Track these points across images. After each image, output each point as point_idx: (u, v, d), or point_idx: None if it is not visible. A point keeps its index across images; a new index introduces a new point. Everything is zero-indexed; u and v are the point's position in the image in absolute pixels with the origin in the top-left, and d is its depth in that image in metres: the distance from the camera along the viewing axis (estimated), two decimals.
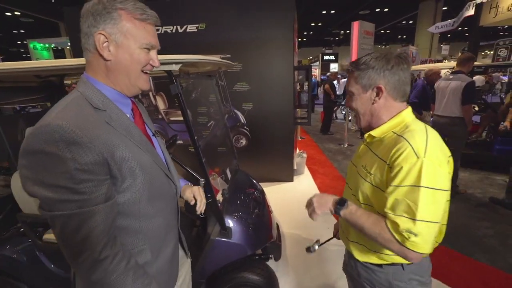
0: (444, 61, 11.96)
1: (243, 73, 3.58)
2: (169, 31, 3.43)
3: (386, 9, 16.15)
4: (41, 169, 0.60)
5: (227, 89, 3.62)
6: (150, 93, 3.60)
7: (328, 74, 9.81)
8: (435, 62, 14.19)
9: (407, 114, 0.89)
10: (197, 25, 3.41)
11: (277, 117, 3.75)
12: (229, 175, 2.00)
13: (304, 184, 3.99)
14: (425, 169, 0.74)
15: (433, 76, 4.03)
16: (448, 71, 4.75)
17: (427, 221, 0.74)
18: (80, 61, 1.19)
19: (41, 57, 11.90)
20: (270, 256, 1.86)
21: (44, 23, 13.68)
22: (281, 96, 3.67)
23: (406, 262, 0.88)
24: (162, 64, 1.27)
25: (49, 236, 1.60)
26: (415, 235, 0.74)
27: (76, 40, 3.16)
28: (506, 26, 14.21)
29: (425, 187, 0.74)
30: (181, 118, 3.68)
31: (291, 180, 4.05)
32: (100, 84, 0.73)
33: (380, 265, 0.93)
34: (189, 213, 2.27)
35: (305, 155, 4.33)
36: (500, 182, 3.77)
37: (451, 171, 0.84)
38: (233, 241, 1.50)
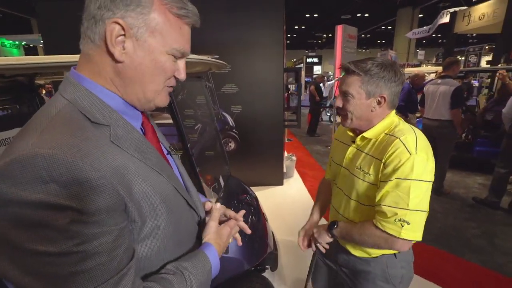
0: (422, 65, 12.50)
1: (231, 75, 3.46)
2: None
3: (366, 15, 16.68)
4: (19, 231, 0.37)
5: (215, 91, 3.50)
6: None
7: (314, 76, 9.93)
8: (412, 67, 14.83)
9: (394, 116, 0.97)
10: None
11: (267, 120, 3.67)
12: (222, 183, 1.88)
13: (294, 188, 3.93)
14: (416, 164, 0.82)
15: (418, 80, 4.14)
16: (427, 74, 4.92)
17: (418, 210, 0.82)
18: (52, 58, 1.04)
19: (10, 55, 11.10)
20: (267, 267, 1.77)
21: (14, 19, 12.81)
22: (270, 98, 3.60)
23: (394, 252, 0.99)
24: None
25: None
26: (408, 223, 0.82)
27: (50, 38, 2.90)
28: (474, 34, 15.13)
29: (416, 179, 0.82)
30: (167, 121, 3.49)
31: (281, 183, 3.98)
32: (99, 89, 0.51)
33: (375, 257, 1.00)
34: None
35: (294, 158, 4.28)
36: (481, 182, 3.91)
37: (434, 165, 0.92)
38: (230, 256, 1.39)
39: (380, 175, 0.88)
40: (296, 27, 20.30)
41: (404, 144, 0.85)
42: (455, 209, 3.19)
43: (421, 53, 17.42)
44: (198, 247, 0.64)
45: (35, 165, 0.38)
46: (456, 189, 3.70)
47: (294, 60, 20.51)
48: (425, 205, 0.85)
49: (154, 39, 0.50)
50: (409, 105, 4.11)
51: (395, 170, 0.84)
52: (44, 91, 6.39)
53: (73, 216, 0.39)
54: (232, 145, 3.74)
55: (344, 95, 0.94)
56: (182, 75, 0.58)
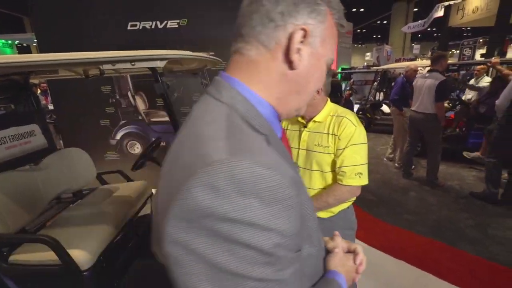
0: (417, 59, 12.54)
1: None
2: (147, 26, 3.23)
3: (362, 9, 16.66)
4: (220, 248, 0.34)
5: None
6: (129, 93, 3.38)
7: None
8: (408, 61, 14.84)
9: (329, 102, 1.27)
10: (178, 21, 3.24)
11: None
12: None
13: None
14: (360, 133, 1.17)
15: (411, 73, 4.16)
16: (422, 68, 4.96)
17: (365, 164, 1.18)
18: (47, 56, 1.04)
19: (3, 54, 10.97)
20: None
21: (6, 18, 12.61)
22: None
23: (349, 204, 1.31)
24: (145, 60, 1.15)
25: (17, 257, 1.41)
26: (362, 174, 1.17)
27: (43, 37, 2.85)
28: (469, 28, 15.19)
29: (361, 143, 1.17)
30: (163, 119, 3.50)
31: None
32: (253, 95, 0.47)
33: (337, 213, 1.28)
34: None
35: None
36: (475, 174, 3.97)
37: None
38: None
39: (336, 145, 1.18)
40: None
41: (350, 121, 1.17)
42: (450, 201, 3.24)
43: (416, 47, 17.48)
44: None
45: (239, 179, 0.33)
46: (450, 181, 3.75)
47: None
48: (367, 159, 1.20)
49: (322, 48, 0.48)
50: (402, 98, 4.14)
51: (348, 140, 1.16)
52: (39, 91, 6.33)
53: (276, 239, 0.34)
54: None
55: None
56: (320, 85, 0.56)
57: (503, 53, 8.29)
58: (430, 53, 18.72)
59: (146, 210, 2.17)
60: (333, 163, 1.20)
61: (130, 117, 3.48)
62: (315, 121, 1.24)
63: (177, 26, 3.26)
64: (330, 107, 1.25)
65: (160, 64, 1.18)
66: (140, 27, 3.23)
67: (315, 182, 1.26)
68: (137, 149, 3.58)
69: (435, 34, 23.08)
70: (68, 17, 3.18)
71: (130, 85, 3.37)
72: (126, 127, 3.49)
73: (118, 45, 3.16)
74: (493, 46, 8.43)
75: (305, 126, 1.27)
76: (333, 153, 1.19)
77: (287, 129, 1.39)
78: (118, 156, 3.62)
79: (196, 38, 3.28)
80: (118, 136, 3.51)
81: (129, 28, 3.22)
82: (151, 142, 1.94)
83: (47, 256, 1.35)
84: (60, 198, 2.16)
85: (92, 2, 3.17)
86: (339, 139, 1.17)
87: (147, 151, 1.85)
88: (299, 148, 1.28)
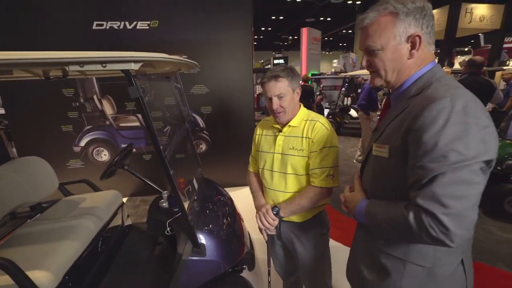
0: None
1: (201, 75, 3.41)
2: (115, 27, 3.07)
3: (328, 18, 17.49)
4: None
5: (184, 92, 3.41)
6: (95, 97, 3.17)
7: None
8: None
9: (303, 107, 1.33)
10: (148, 22, 3.12)
11: (237, 120, 3.68)
12: (196, 186, 1.84)
13: None
14: (332, 136, 1.22)
15: None
16: None
17: (336, 166, 1.23)
18: (3, 54, 0.93)
19: None
20: (244, 267, 1.77)
21: None
22: (240, 98, 3.61)
23: (322, 209, 1.37)
24: (118, 62, 1.08)
25: None
26: (333, 176, 1.22)
27: None
28: None
29: (334, 146, 1.22)
30: (133, 124, 3.33)
31: None
32: None
33: (312, 216, 1.33)
34: (152, 230, 2.04)
35: None
36: None
37: None
38: (208, 259, 1.36)
39: (309, 148, 1.23)
40: (263, 28, 20.57)
41: (323, 125, 1.23)
42: None
43: None
44: None
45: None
46: None
47: (262, 61, 20.72)
48: (338, 162, 1.25)
49: None
50: (370, 103, 4.40)
51: (321, 143, 1.20)
52: None
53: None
54: (203, 146, 3.67)
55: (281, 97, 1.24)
56: None
57: (451, 64, 9.25)
58: None
59: (117, 221, 2.03)
60: (307, 165, 1.24)
61: (96, 122, 3.26)
62: (290, 126, 1.28)
63: (147, 27, 3.14)
64: (304, 112, 1.31)
65: (134, 66, 1.12)
66: (107, 27, 3.05)
67: (290, 186, 1.28)
68: (104, 156, 3.36)
69: None
70: (22, 12, 2.90)
71: (97, 88, 3.16)
72: (92, 132, 3.26)
73: (81, 46, 2.99)
74: (443, 57, 9.36)
75: (280, 131, 1.30)
76: (307, 156, 1.23)
77: (262, 135, 1.41)
78: (82, 164, 3.36)
79: (167, 40, 3.19)
80: (83, 143, 3.27)
81: (94, 27, 3.03)
82: (123, 149, 1.83)
83: (2, 280, 1.19)
84: (14, 214, 1.93)
85: None
86: (312, 142, 1.21)
87: (118, 158, 1.74)
88: (274, 153, 1.31)
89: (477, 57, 3.26)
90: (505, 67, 7.29)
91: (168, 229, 1.54)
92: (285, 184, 1.28)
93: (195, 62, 1.76)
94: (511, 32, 11.99)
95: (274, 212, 1.26)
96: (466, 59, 3.50)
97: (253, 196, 1.45)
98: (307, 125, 1.24)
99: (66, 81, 2.93)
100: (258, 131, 1.45)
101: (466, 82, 3.12)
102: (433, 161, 0.63)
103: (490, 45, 10.32)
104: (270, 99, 1.23)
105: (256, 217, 1.33)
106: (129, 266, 1.77)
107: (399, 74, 0.80)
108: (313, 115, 1.29)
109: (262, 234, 1.36)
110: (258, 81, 4.61)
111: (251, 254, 1.81)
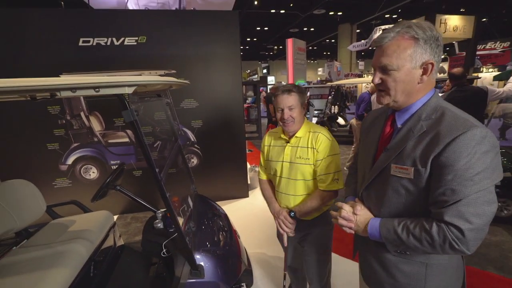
0: (363, 75, 13.85)
1: (190, 90, 3.41)
2: (102, 43, 3.04)
3: (312, 29, 18.01)
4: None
5: (173, 107, 3.40)
6: (82, 113, 3.10)
7: (270, 88, 10.18)
8: (356, 76, 16.32)
9: (307, 120, 1.48)
10: (136, 38, 3.12)
11: (228, 133, 3.68)
12: (191, 204, 1.82)
13: (260, 199, 3.96)
14: (334, 145, 1.38)
15: (373, 89, 4.45)
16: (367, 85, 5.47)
17: (339, 171, 1.39)
18: None
19: None
20: (242, 284, 1.75)
21: None
22: (230, 111, 3.63)
23: (328, 207, 1.49)
24: (112, 87, 1.08)
25: None
26: (338, 179, 1.37)
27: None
28: None
29: (336, 154, 1.38)
30: (122, 140, 3.27)
31: (247, 195, 4.00)
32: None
33: (321, 213, 1.48)
34: (147, 253, 1.98)
35: (257, 168, 4.34)
36: None
37: None
38: (207, 280, 1.34)
39: (315, 157, 1.38)
40: (248, 39, 20.89)
41: (325, 136, 1.39)
42: None
43: (361, 64, 19.35)
44: None
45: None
46: None
47: (249, 71, 20.93)
48: (340, 166, 1.41)
49: None
50: None
51: (325, 152, 1.36)
52: None
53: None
54: (194, 160, 3.64)
55: (291, 109, 1.38)
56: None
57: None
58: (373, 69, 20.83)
59: (108, 243, 1.97)
60: (314, 172, 1.40)
61: (84, 139, 3.18)
62: (296, 137, 1.43)
63: (135, 43, 3.13)
64: (308, 124, 1.47)
65: (128, 90, 1.12)
66: (94, 43, 3.02)
67: (300, 190, 1.44)
68: (93, 173, 3.27)
69: None
70: (8, 26, 2.83)
71: (84, 104, 3.10)
72: (80, 150, 3.17)
73: (68, 62, 2.94)
74: None
75: (287, 142, 1.46)
76: (313, 164, 1.38)
77: (270, 146, 1.57)
78: (70, 182, 3.25)
79: (156, 55, 3.18)
80: (70, 161, 3.17)
81: (81, 44, 3.00)
82: (114, 169, 1.79)
83: None
84: None
85: (34, 13, 2.87)
86: (317, 151, 1.37)
87: (109, 179, 1.70)
88: (283, 161, 1.46)
89: (455, 70, 3.29)
90: (479, 74, 7.65)
91: (164, 250, 1.51)
92: (294, 189, 1.44)
93: (187, 82, 1.77)
94: (482, 40, 12.76)
95: (292, 215, 1.42)
96: (443, 66, 3.60)
97: (268, 203, 1.60)
98: (311, 136, 1.40)
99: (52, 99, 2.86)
100: (266, 142, 1.61)
101: (457, 95, 3.12)
102: (461, 184, 0.72)
103: (464, 52, 10.89)
104: (282, 110, 1.38)
105: (276, 224, 1.49)
106: None
107: (407, 96, 0.85)
108: (315, 127, 1.45)
109: (279, 239, 1.55)
110: (247, 93, 4.64)
111: (249, 271, 1.79)
